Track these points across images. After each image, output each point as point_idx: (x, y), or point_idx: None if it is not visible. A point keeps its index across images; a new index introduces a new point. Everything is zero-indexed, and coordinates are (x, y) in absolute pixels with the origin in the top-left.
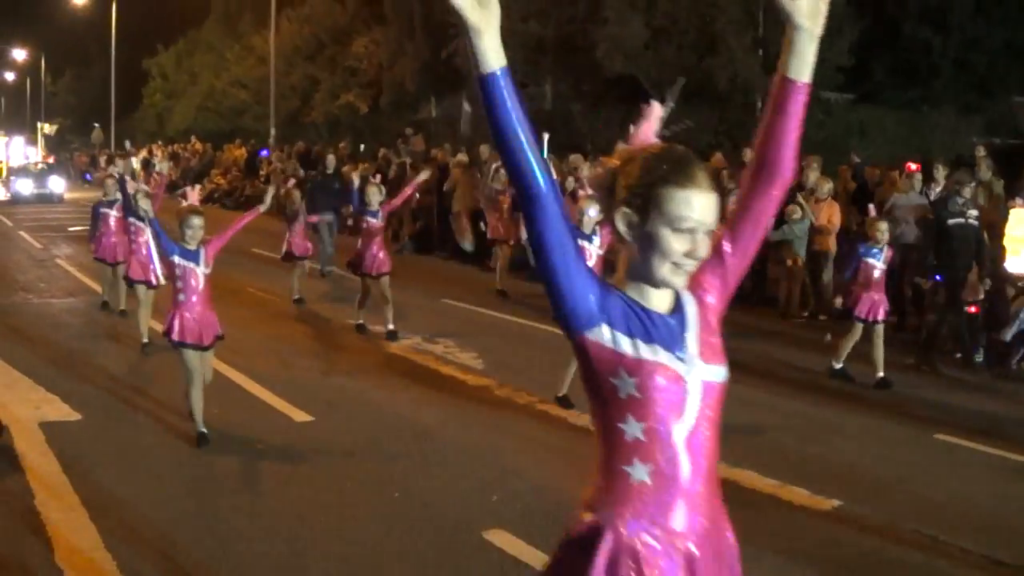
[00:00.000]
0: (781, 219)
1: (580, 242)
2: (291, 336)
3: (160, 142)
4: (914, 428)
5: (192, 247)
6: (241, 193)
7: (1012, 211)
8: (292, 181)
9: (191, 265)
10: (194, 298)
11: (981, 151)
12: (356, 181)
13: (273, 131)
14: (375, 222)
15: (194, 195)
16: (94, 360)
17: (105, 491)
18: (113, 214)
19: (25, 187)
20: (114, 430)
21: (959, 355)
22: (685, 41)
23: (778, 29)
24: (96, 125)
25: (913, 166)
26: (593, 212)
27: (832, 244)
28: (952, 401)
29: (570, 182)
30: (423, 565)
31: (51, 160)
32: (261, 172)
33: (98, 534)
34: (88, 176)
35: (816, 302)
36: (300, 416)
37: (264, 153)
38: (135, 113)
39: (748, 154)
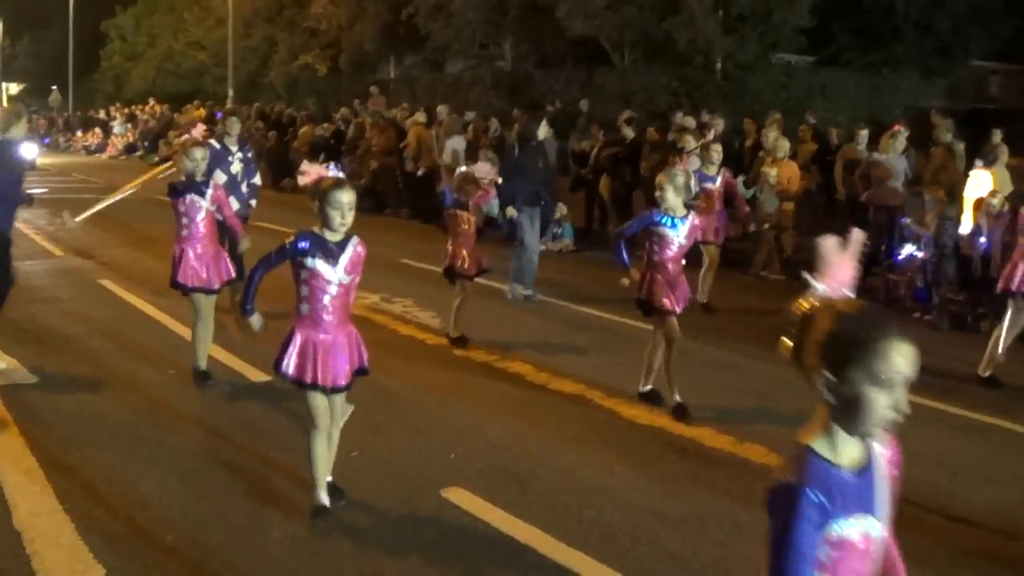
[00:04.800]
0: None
1: (661, 229)
2: None
3: (118, 104)
4: None
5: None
6: None
7: (971, 173)
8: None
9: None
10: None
11: (937, 115)
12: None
13: (231, 92)
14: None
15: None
16: (50, 323)
17: (63, 453)
18: (205, 205)
19: None
20: (71, 392)
21: (922, 315)
22: (646, 2)
23: None
24: (54, 88)
25: (897, 126)
26: (672, 198)
27: (792, 205)
28: None
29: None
30: (383, 525)
31: None
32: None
33: (55, 497)
34: (47, 140)
35: (779, 263)
36: (257, 376)
37: (220, 116)
38: (94, 75)
39: (706, 115)
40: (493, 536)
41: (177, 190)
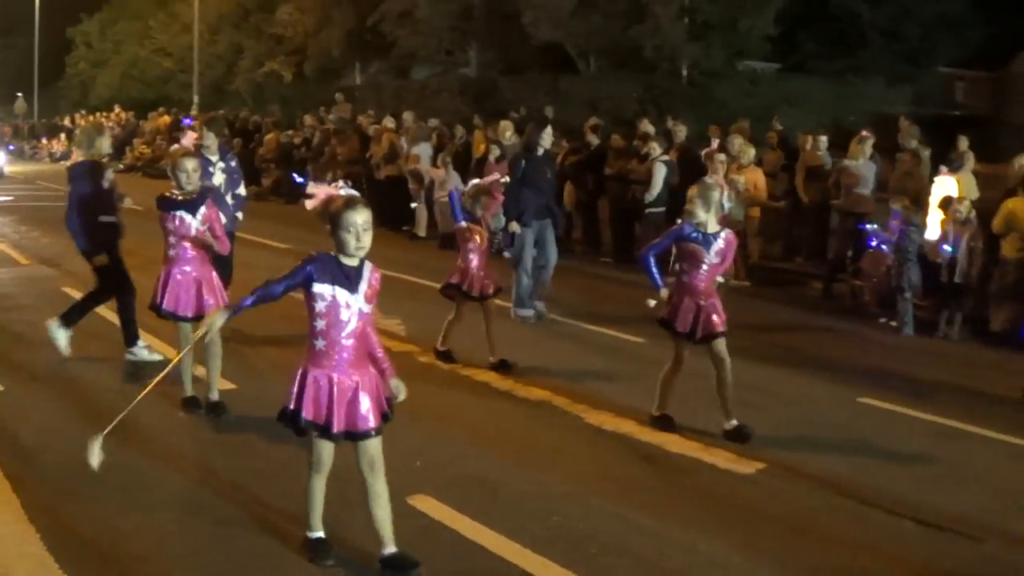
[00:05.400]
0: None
1: (691, 245)
2: None
3: (84, 111)
4: (838, 392)
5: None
6: (164, 161)
7: (937, 179)
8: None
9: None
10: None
11: (905, 120)
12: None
13: (196, 99)
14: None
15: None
16: (14, 330)
17: (27, 462)
18: (195, 224)
19: None
20: (38, 400)
21: (888, 321)
22: (612, 9)
23: None
24: (19, 95)
25: (865, 132)
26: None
27: (758, 211)
28: (878, 366)
29: (495, 148)
30: (349, 532)
31: None
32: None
33: (20, 506)
34: (11, 147)
35: (744, 270)
36: (222, 384)
37: (187, 122)
38: (59, 82)
39: (671, 121)
40: (461, 544)
41: (166, 205)
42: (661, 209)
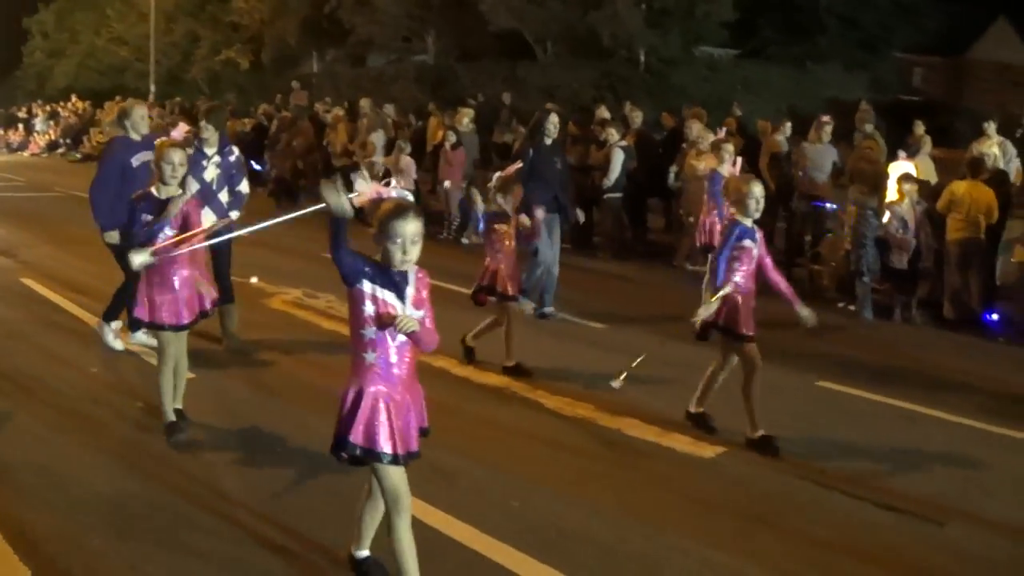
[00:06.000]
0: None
1: (746, 243)
2: None
3: (40, 101)
4: (796, 376)
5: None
6: None
7: (894, 164)
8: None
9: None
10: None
11: (865, 106)
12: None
13: (153, 88)
14: None
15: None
16: None
17: None
18: (169, 232)
19: None
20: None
21: (846, 305)
22: None
23: None
24: None
25: (824, 117)
26: (759, 191)
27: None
28: (836, 350)
29: (451, 135)
30: (314, 523)
31: None
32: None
33: None
34: None
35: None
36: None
37: None
38: (16, 72)
39: (628, 107)
40: (417, 529)
41: (138, 207)
42: (619, 194)
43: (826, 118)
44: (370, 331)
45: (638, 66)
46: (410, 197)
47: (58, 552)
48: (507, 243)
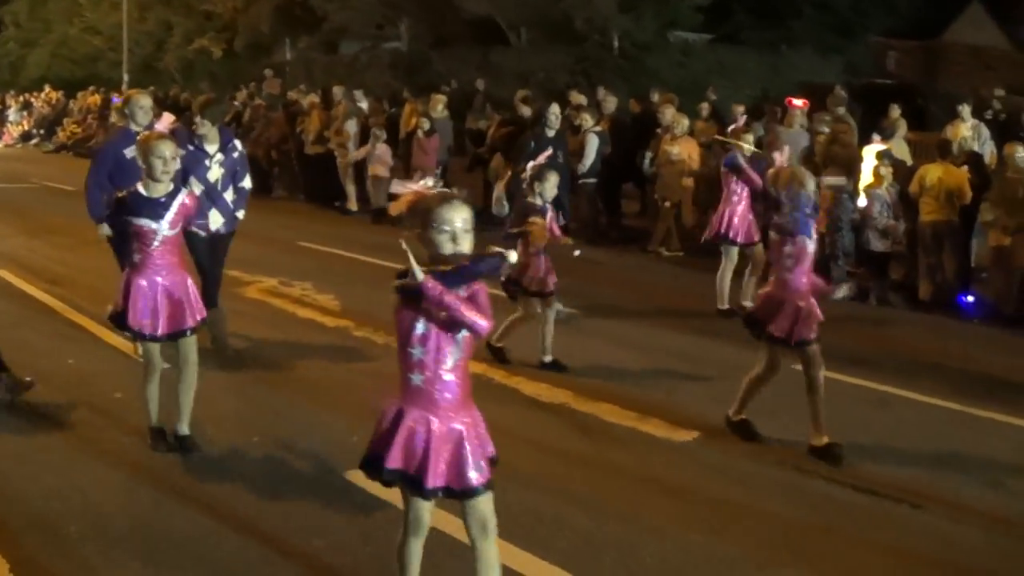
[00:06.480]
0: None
1: (806, 238)
2: None
3: (13, 92)
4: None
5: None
6: (94, 140)
7: (868, 148)
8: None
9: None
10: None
11: (840, 89)
12: None
13: (126, 77)
14: None
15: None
16: None
17: None
18: (163, 232)
19: None
20: None
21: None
22: None
23: None
24: None
25: (799, 102)
26: (813, 186)
27: (691, 181)
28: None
29: (424, 122)
30: (288, 509)
31: None
32: (112, 120)
33: None
34: None
35: (680, 240)
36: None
37: (116, 100)
38: None
39: (602, 92)
40: (398, 518)
41: (125, 208)
42: (593, 180)
43: (798, 103)
44: (418, 351)
45: (612, 51)
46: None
47: (35, 543)
48: (540, 237)
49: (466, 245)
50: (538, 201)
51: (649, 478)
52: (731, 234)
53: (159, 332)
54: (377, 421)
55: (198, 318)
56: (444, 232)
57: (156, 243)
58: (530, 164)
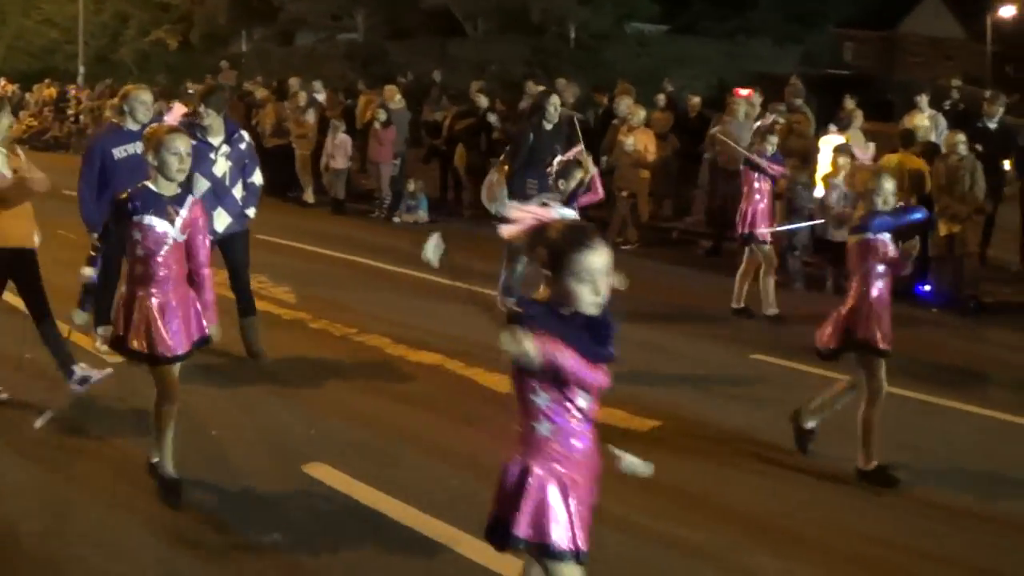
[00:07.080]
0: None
1: (890, 246)
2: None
3: None
4: (729, 348)
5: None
6: (49, 133)
7: (824, 138)
8: None
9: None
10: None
11: (796, 80)
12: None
13: (82, 69)
14: None
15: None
16: None
17: None
18: (173, 235)
19: None
20: None
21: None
22: None
23: None
24: None
25: (744, 92)
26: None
27: (648, 173)
28: (769, 323)
29: (381, 113)
30: (247, 503)
31: None
32: (70, 112)
33: None
34: None
35: (637, 231)
36: (113, 357)
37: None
38: None
39: (562, 83)
40: (359, 511)
41: (128, 207)
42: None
43: (744, 93)
44: (543, 398)
45: (568, 42)
46: (574, 215)
47: None
48: None
49: (607, 290)
50: (571, 191)
51: (611, 468)
52: (757, 234)
53: (181, 351)
54: (499, 481)
55: (196, 336)
56: (584, 282)
57: (165, 248)
58: (556, 159)
